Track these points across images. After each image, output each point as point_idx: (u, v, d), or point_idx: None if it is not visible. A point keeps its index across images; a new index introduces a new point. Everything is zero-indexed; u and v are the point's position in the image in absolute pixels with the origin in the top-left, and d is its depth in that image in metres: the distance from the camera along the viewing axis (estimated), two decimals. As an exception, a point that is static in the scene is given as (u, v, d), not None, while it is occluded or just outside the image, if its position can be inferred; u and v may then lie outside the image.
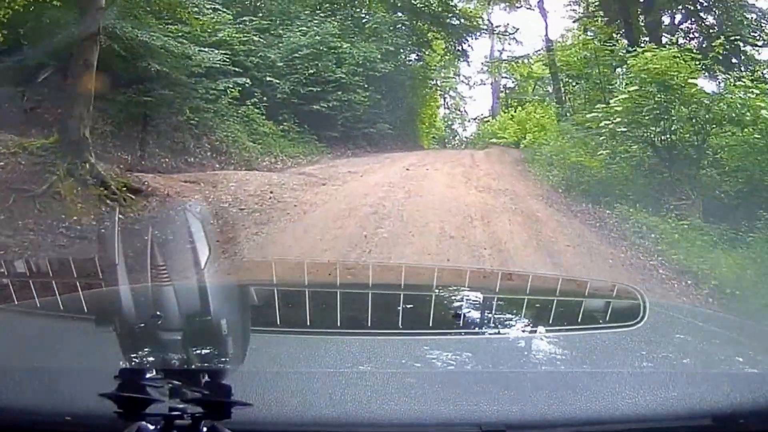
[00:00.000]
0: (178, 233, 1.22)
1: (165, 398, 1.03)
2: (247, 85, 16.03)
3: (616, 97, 12.89)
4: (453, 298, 2.21)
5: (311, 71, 18.82)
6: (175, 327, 1.11)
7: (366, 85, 20.01)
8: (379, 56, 20.88)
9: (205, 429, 1.03)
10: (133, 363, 1.11)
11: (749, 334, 2.09)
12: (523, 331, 1.91)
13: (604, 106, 13.57)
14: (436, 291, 2.16)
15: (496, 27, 29.96)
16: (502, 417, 1.21)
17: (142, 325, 1.14)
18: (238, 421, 1.05)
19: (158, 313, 1.15)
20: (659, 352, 1.81)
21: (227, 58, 15.15)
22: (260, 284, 2.08)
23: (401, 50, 24.00)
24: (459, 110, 37.77)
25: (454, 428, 1.20)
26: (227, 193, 10.68)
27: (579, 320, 1.93)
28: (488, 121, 34.34)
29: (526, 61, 32.55)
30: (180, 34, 13.83)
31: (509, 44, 32.34)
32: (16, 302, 1.77)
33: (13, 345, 1.57)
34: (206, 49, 14.31)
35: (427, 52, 26.73)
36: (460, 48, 28.80)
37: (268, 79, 17.76)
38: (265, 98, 17.31)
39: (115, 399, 1.02)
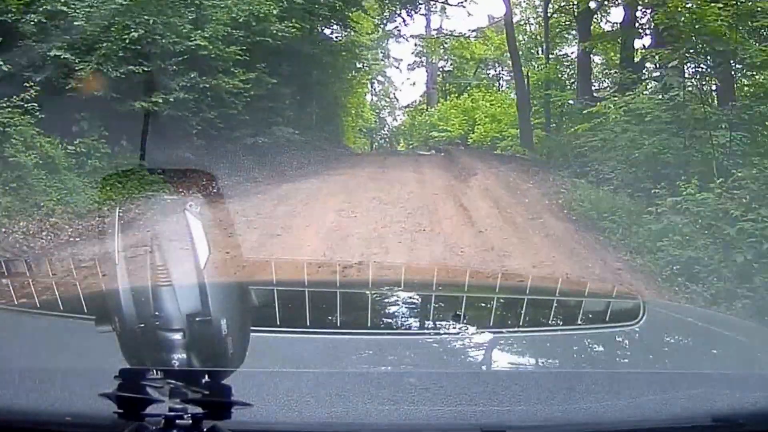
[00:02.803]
0: (177, 233, 1.22)
1: (165, 398, 1.03)
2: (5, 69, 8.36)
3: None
4: (453, 298, 2.21)
5: (135, 35, 9.87)
6: (175, 327, 1.11)
7: (250, 62, 12.45)
8: (275, 12, 12.72)
9: (205, 429, 1.03)
10: (133, 363, 1.10)
11: (749, 334, 2.09)
12: (523, 331, 1.91)
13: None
14: (436, 291, 2.16)
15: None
16: (503, 417, 1.21)
17: (142, 325, 1.14)
18: (238, 421, 1.05)
19: (158, 313, 1.15)
20: (659, 352, 1.81)
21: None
22: (260, 284, 2.09)
23: (318, 15, 16.59)
24: (389, 97, 32.53)
25: (455, 428, 1.20)
26: None
27: (579, 320, 1.94)
28: (425, 110, 29.42)
29: (472, 37, 27.49)
30: None
31: (448, 18, 27.95)
32: (16, 302, 1.77)
33: (13, 345, 1.57)
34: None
35: (352, 25, 20.16)
36: (397, 14, 23.82)
37: (55, 53, 9.48)
38: (48, 89, 9.03)
39: (115, 399, 1.02)
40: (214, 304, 1.15)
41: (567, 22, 23.21)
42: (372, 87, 30.39)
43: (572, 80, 23.39)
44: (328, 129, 19.52)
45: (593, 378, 1.46)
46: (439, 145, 23.83)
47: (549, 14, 22.99)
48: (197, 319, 1.12)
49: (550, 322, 1.93)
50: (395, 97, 32.65)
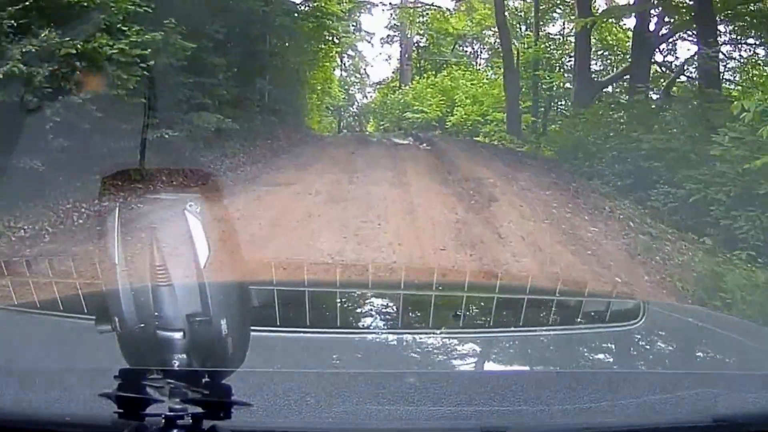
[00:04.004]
0: (177, 233, 1.22)
1: (165, 398, 1.03)
2: None
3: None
4: (453, 298, 2.21)
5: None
6: (175, 327, 1.11)
7: (155, 17, 8.53)
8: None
9: (205, 429, 1.03)
10: (133, 363, 1.11)
11: (749, 334, 2.09)
12: (523, 331, 1.91)
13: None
14: (436, 291, 2.16)
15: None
16: (503, 417, 1.21)
17: (142, 325, 1.14)
18: (238, 421, 1.05)
19: (158, 313, 1.15)
20: (659, 352, 1.81)
21: None
22: (260, 284, 2.08)
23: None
24: (359, 73, 29.74)
25: (455, 428, 1.20)
26: None
27: (579, 320, 1.94)
28: (397, 88, 26.69)
29: (452, 10, 25.02)
30: None
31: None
32: (16, 302, 1.77)
33: (13, 345, 1.57)
34: None
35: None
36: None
37: None
38: None
39: (115, 399, 1.02)
40: (214, 304, 1.15)
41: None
42: (342, 62, 27.81)
43: (560, 61, 21.70)
44: (286, 110, 16.19)
45: (593, 378, 1.46)
46: (414, 128, 21.31)
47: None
48: (197, 319, 1.12)
49: (550, 322, 1.93)
50: (366, 73, 29.96)
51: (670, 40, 17.97)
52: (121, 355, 1.11)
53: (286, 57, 16.20)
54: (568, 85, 21.47)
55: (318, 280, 2.35)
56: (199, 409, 1.03)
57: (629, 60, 18.55)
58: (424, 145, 17.12)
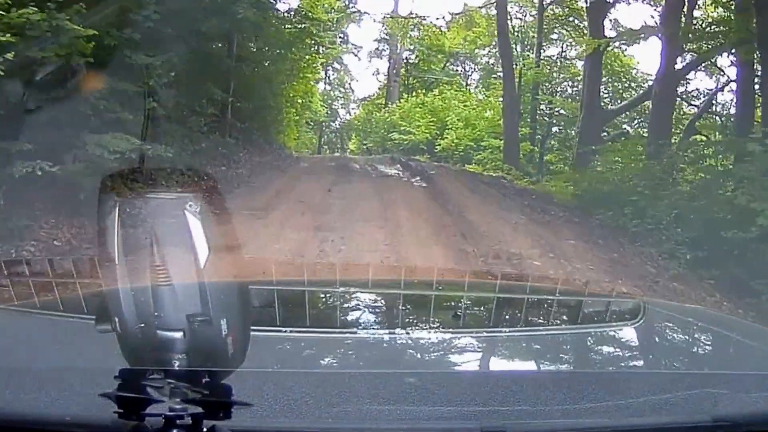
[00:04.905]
0: (177, 233, 1.22)
1: (165, 398, 1.03)
2: None
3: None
4: (453, 298, 2.21)
5: None
6: (175, 327, 1.11)
7: None
8: None
9: (205, 429, 1.03)
10: (133, 363, 1.11)
11: (749, 334, 2.09)
12: (523, 331, 1.91)
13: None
14: (436, 291, 2.16)
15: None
16: (503, 417, 1.21)
17: (142, 325, 1.14)
18: (238, 421, 1.05)
19: (158, 313, 1.15)
20: (659, 351, 1.81)
21: None
22: (260, 284, 2.08)
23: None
24: (343, 87, 28.11)
25: (455, 428, 1.20)
26: None
27: (579, 320, 1.94)
28: (383, 105, 24.95)
29: (445, 26, 23.14)
30: None
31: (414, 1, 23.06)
32: (16, 302, 1.77)
33: (13, 345, 1.57)
34: None
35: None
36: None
37: None
38: None
39: (115, 399, 1.02)
40: (214, 304, 1.15)
41: (566, 16, 20.01)
42: (326, 74, 26.16)
43: (561, 86, 20.47)
44: (253, 126, 13.50)
45: (593, 378, 1.46)
46: (400, 150, 19.51)
47: (545, 4, 19.77)
48: (197, 319, 1.12)
49: (550, 322, 1.93)
50: (351, 88, 28.26)
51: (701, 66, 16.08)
52: (121, 355, 1.11)
53: (259, 63, 13.03)
54: (562, 111, 20.30)
55: (318, 280, 2.35)
56: (199, 409, 1.03)
57: (640, 88, 17.15)
58: (418, 179, 14.24)
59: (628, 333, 1.79)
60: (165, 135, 9.01)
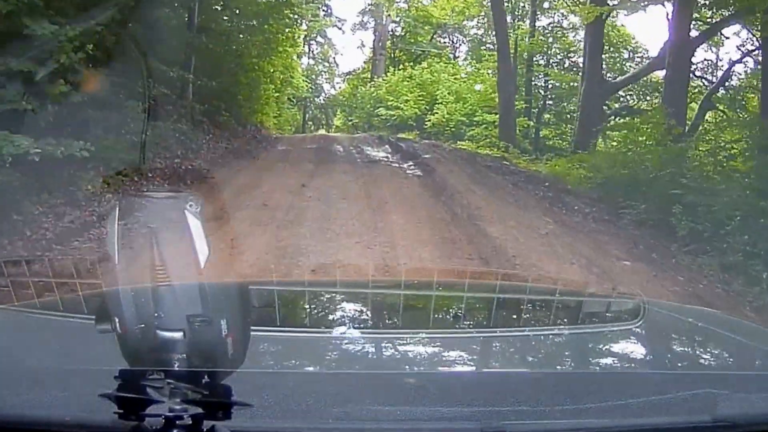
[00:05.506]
0: (177, 233, 1.22)
1: (165, 398, 1.03)
2: None
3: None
4: (453, 298, 2.21)
5: None
6: (175, 327, 1.11)
7: None
8: None
9: (205, 429, 1.03)
10: (132, 363, 1.11)
11: (749, 334, 2.09)
12: (523, 331, 1.91)
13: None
14: (436, 291, 2.16)
15: None
16: (503, 417, 1.21)
17: (142, 325, 1.14)
18: (238, 421, 1.05)
19: (158, 313, 1.15)
20: (659, 352, 1.81)
21: None
22: (260, 284, 2.08)
23: None
24: (327, 61, 26.97)
25: (455, 429, 1.20)
26: None
27: (579, 320, 1.94)
28: (369, 80, 23.73)
29: None
30: None
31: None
32: (16, 302, 1.77)
33: (13, 345, 1.57)
34: None
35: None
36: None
37: None
38: None
39: (115, 399, 1.02)
40: (214, 304, 1.15)
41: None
42: (309, 49, 25.05)
43: (557, 57, 19.50)
44: (220, 107, 11.77)
45: (593, 378, 1.46)
46: (388, 127, 18.48)
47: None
48: (197, 319, 1.12)
49: (550, 322, 1.93)
50: (335, 62, 27.04)
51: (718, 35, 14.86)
52: (121, 355, 1.11)
53: (228, 36, 11.28)
54: (557, 84, 19.55)
55: (318, 280, 2.35)
56: (199, 410, 1.03)
57: (647, 60, 16.32)
58: (411, 165, 12.62)
59: (628, 333, 1.79)
60: (88, 126, 7.32)
